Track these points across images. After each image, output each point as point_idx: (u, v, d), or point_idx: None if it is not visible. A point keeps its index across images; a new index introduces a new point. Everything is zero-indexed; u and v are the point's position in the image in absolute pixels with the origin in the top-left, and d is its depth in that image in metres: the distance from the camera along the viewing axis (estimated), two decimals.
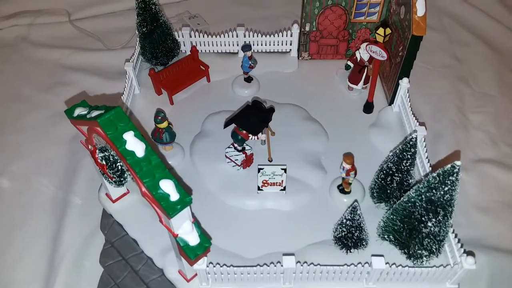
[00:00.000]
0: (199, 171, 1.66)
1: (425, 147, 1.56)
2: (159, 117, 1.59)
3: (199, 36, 2.05)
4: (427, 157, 1.54)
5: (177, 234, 1.15)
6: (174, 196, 1.07)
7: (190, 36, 2.04)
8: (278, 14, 2.67)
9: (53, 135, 2.09)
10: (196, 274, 1.34)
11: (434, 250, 1.28)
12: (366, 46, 1.71)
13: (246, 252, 1.42)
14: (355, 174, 1.50)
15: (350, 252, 1.39)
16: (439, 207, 1.18)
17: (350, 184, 1.53)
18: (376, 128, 1.80)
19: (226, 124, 1.58)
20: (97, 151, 1.20)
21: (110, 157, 1.20)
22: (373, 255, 1.28)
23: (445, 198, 1.16)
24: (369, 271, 1.29)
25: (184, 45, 2.07)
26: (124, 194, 1.57)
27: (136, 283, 1.46)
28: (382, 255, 1.28)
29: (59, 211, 1.82)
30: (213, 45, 2.08)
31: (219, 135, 1.72)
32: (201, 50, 2.08)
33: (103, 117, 1.07)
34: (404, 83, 1.73)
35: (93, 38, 2.57)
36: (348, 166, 1.46)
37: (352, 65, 1.86)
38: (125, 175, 1.24)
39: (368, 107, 1.87)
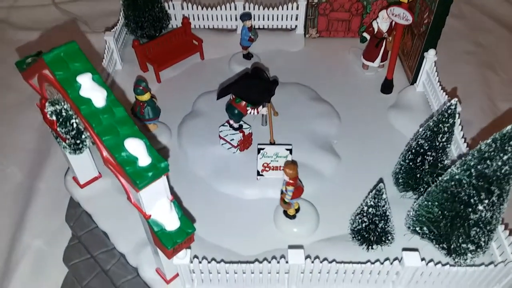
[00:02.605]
0: (188, 154, 1.40)
1: (460, 123, 1.28)
2: (140, 87, 1.32)
3: (192, 9, 1.80)
4: (463, 137, 1.27)
5: (150, 216, 0.87)
6: (144, 160, 0.79)
7: (182, 8, 1.79)
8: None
9: (22, 120, 1.86)
10: (178, 274, 1.05)
11: (482, 244, 1.00)
12: (387, 9, 1.45)
13: (243, 248, 1.18)
14: (296, 193, 1.11)
15: (372, 248, 1.11)
16: (493, 184, 0.90)
17: (286, 203, 1.15)
18: (396, 109, 1.55)
19: (220, 94, 1.31)
20: (46, 104, 0.93)
21: (63, 111, 0.92)
22: (404, 249, 1.00)
23: (502, 171, 0.88)
24: (399, 270, 1.01)
25: (175, 19, 1.82)
26: (95, 179, 1.30)
27: (105, 285, 1.18)
28: (416, 249, 0.99)
29: (22, 203, 1.56)
30: (208, 19, 1.83)
31: (213, 115, 1.48)
32: (195, 25, 1.83)
33: (51, 53, 0.80)
34: (430, 55, 1.48)
35: (79, 21, 2.35)
36: (286, 178, 1.09)
37: (368, 37, 1.60)
38: (83, 136, 0.96)
39: (387, 87, 1.61)
